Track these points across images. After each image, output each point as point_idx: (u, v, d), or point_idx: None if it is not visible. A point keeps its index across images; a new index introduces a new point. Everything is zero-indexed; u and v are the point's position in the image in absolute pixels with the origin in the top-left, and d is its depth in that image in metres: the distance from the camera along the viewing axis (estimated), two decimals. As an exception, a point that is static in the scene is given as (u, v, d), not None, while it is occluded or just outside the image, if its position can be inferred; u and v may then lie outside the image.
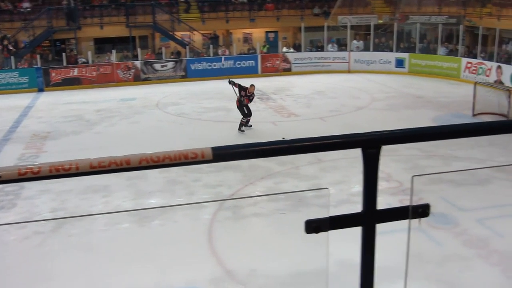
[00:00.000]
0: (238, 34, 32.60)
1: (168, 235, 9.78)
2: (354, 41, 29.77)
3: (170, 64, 27.82)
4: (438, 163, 13.59)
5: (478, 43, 25.99)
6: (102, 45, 30.15)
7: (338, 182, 12.13)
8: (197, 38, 30.34)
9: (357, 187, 11.21)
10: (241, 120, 17.26)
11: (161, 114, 20.55)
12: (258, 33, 32.37)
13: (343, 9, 31.79)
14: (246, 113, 17.22)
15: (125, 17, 29.60)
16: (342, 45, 30.13)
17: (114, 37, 29.76)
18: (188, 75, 27.86)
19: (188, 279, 8.26)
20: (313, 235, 1.93)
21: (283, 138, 2.22)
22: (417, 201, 1.99)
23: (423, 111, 19.70)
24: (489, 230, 9.73)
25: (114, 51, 27.52)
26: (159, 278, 8.29)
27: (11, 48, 27.54)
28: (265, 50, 29.74)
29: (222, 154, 1.67)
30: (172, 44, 29.85)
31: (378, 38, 29.63)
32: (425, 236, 9.30)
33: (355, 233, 1.95)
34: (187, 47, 28.59)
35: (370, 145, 1.81)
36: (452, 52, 27.31)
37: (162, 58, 28.01)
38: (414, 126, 1.99)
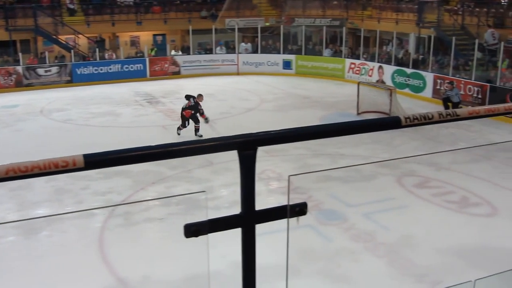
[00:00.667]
0: (125, 37, 31.98)
1: (57, 246, 9.45)
2: (242, 44, 30.09)
3: (55, 69, 26.84)
4: (326, 161, 14.02)
5: (360, 45, 27.06)
6: (-20, 49, 28.60)
7: (230, 184, 12.18)
8: (82, 41, 29.46)
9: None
10: (194, 126, 16.87)
11: (46, 121, 19.78)
12: (145, 36, 31.91)
13: (230, 12, 32.00)
14: (190, 122, 16.95)
15: (4, 20, 28.21)
16: (230, 48, 30.36)
17: (-8, 41, 28.32)
18: (73, 80, 27.00)
19: (79, 290, 8.03)
20: (201, 239, 1.92)
21: None
22: (307, 199, 2.04)
23: (311, 111, 20.24)
24: (375, 224, 10.16)
25: (-7, 56, 26.20)
26: (47, 291, 7.99)
27: None
28: (153, 53, 29.40)
29: (94, 161, 1.63)
30: (56, 48, 28.80)
31: (266, 40, 30.12)
32: (315, 232, 9.58)
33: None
34: (72, 51, 27.70)
35: (246, 146, 1.83)
36: (337, 54, 28.26)
37: (45, 63, 26.94)
38: (302, 126, 2.03)
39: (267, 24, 31.99)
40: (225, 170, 13.07)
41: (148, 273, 8.38)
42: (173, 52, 29.52)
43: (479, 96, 19.84)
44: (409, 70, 23.49)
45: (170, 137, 16.34)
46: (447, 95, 18.92)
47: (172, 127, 18.12)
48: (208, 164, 13.42)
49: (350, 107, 20.20)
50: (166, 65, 28.77)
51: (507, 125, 17.48)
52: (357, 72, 26.36)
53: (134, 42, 31.98)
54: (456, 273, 8.22)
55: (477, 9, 24.84)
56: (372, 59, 26.10)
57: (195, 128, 16.75)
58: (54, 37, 28.73)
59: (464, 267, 8.50)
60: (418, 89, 22.87)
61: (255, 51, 29.80)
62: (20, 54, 26.85)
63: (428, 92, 22.36)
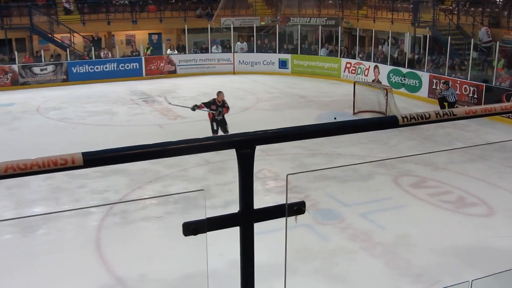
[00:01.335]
0: (120, 36, 31.94)
1: (54, 244, 9.44)
2: (238, 43, 30.08)
3: (50, 68, 26.79)
4: (323, 160, 14.03)
5: (356, 44, 27.08)
6: (-25, 48, 28.52)
7: (227, 182, 12.20)
8: (78, 40, 29.41)
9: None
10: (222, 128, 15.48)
11: (42, 120, 19.75)
12: (141, 35, 31.86)
13: (225, 11, 32.01)
14: (215, 129, 15.48)
15: (-1, 18, 28.16)
16: (226, 47, 30.35)
17: (-13, 40, 28.24)
18: (69, 79, 26.96)
19: (75, 289, 8.02)
20: (197, 237, 1.92)
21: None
22: (304, 198, 2.04)
23: (307, 111, 20.25)
24: (372, 224, 10.17)
25: (-12, 55, 26.13)
26: (44, 290, 7.98)
27: None
28: (148, 52, 29.35)
29: (93, 159, 1.63)
30: (52, 46, 28.73)
31: (261, 39, 30.12)
32: (311, 232, 9.58)
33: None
34: (68, 49, 27.65)
35: (244, 145, 1.83)
36: (332, 53, 28.27)
37: (41, 61, 26.88)
38: (299, 125, 2.03)
39: (263, 23, 32.00)
40: (222, 169, 13.08)
41: (145, 272, 8.38)
42: (168, 51, 29.50)
43: (475, 96, 19.88)
44: (404, 70, 23.52)
45: (166, 136, 16.32)
46: (442, 95, 18.95)
47: (168, 126, 18.14)
48: (205, 163, 13.43)
49: (346, 106, 20.22)
50: (162, 64, 28.74)
51: (504, 125, 17.53)
52: (353, 71, 26.38)
53: (129, 41, 31.94)
54: (453, 273, 8.23)
55: (472, 9, 24.88)
56: (368, 58, 26.13)
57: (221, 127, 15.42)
58: (50, 35, 28.67)
59: (460, 267, 8.51)
60: (414, 89, 22.90)
61: (251, 50, 29.79)
62: (15, 53, 26.78)
63: (424, 91, 22.39)
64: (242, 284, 1.98)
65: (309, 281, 7.99)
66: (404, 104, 20.27)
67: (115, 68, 27.84)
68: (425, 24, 25.42)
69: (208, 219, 1.87)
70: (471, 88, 20.12)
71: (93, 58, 27.80)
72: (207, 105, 15.49)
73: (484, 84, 19.83)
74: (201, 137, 1.84)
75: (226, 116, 15.55)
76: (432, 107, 18.99)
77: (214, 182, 12.37)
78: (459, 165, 13.19)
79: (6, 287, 8.05)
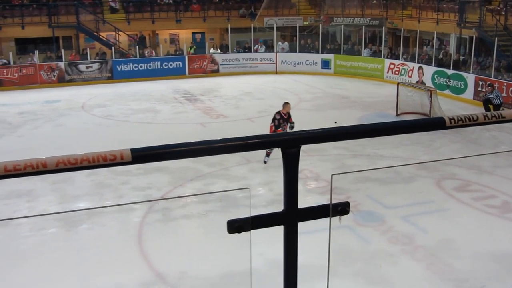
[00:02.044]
0: (164, 35, 32.30)
1: (97, 239, 9.60)
2: (279, 43, 30.04)
3: (96, 65, 27.27)
4: (364, 162, 13.91)
5: (400, 45, 26.77)
6: (24, 45, 29.17)
7: (267, 182, 12.22)
8: (123, 39, 29.85)
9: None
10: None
11: (87, 117, 20.11)
12: (184, 34, 32.17)
13: (269, 10, 32.02)
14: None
15: (47, 17, 28.77)
16: (269, 47, 30.37)
17: (36, 38, 28.87)
18: (114, 77, 27.39)
19: (118, 283, 8.13)
20: (239, 236, 1.93)
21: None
22: (345, 199, 2.03)
23: (349, 111, 20.11)
24: (413, 227, 10.03)
25: (36, 52, 26.72)
26: (87, 283, 8.12)
27: None
28: (192, 51, 29.59)
29: (141, 155, 1.66)
30: (97, 45, 29.24)
31: (304, 39, 30.03)
32: (353, 234, 9.51)
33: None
34: (113, 48, 28.09)
35: (290, 144, 1.83)
36: (376, 54, 27.99)
37: (87, 59, 27.38)
38: (343, 126, 2.02)
39: (306, 23, 31.90)
40: (262, 169, 13.10)
41: (185, 269, 8.44)
42: (212, 50, 29.67)
43: (522, 99, 19.44)
44: (449, 71, 23.12)
45: (208, 134, 16.42)
46: (487, 97, 18.57)
47: (210, 125, 18.24)
48: (245, 162, 13.46)
49: (389, 108, 20.01)
50: (205, 63, 28.94)
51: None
52: (397, 72, 26.07)
53: (173, 40, 32.28)
54: (497, 279, 8.07)
55: (521, 9, 24.34)
56: (412, 59, 25.78)
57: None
58: (96, 34, 29.19)
59: (504, 274, 8.33)
60: (458, 91, 22.50)
61: (293, 50, 29.73)
62: (62, 51, 27.36)
63: (469, 93, 21.97)
64: (285, 283, 1.98)
65: (349, 283, 7.93)
66: (448, 106, 19.94)
67: (159, 67, 28.15)
68: (471, 24, 24.94)
69: (253, 217, 1.88)
70: (519, 91, 19.67)
71: (137, 56, 28.18)
72: (273, 120, 13.76)
73: (532, 87, 19.38)
74: (244, 135, 1.85)
75: None
76: (477, 110, 18.63)
77: (255, 182, 12.39)
78: (505, 169, 12.91)
79: (50, 280, 8.22)
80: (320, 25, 29.87)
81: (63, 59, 26.87)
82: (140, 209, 10.79)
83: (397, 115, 19.26)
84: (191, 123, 18.52)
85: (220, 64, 29.12)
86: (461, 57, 24.21)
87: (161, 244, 9.44)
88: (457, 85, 22.58)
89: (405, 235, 9.72)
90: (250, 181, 12.44)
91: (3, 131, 17.94)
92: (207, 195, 11.34)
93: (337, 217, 2.00)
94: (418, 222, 10.18)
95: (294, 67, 29.17)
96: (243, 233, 1.91)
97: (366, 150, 14.52)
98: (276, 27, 30.01)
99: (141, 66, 27.90)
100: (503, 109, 14.59)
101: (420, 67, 24.58)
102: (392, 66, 26.51)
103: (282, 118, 13.69)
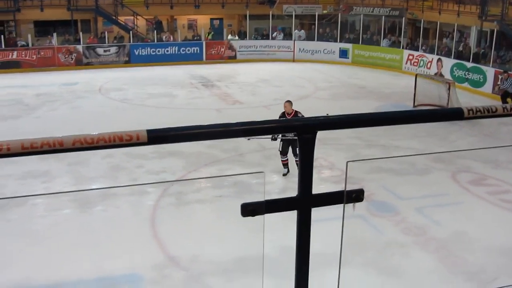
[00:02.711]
0: (182, 20, 32.27)
1: (110, 221, 9.68)
2: (296, 31, 29.88)
3: (113, 49, 27.34)
4: (379, 152, 13.86)
5: (419, 36, 26.53)
6: (43, 28, 29.29)
7: (282, 169, 12.19)
8: (141, 23, 29.89)
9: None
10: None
11: (104, 100, 20.22)
12: (203, 20, 32.11)
13: (288, -2, 31.90)
14: (285, 150, 12.00)
15: (66, 0, 28.85)
16: (287, 34, 30.24)
17: (55, 20, 28.97)
18: (131, 61, 27.45)
19: (130, 266, 8.20)
20: (252, 221, 1.94)
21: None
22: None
23: (366, 101, 20.01)
24: (427, 219, 9.99)
25: (55, 35, 26.84)
26: (100, 264, 8.19)
27: None
28: (210, 37, 29.57)
29: (157, 136, 1.66)
30: (115, 28, 29.31)
31: (323, 28, 29.87)
32: (365, 223, 9.50)
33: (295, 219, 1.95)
34: (131, 32, 28.13)
35: (306, 130, 1.83)
36: (395, 44, 27.78)
37: (105, 43, 27.47)
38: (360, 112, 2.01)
39: (325, 11, 31.72)
40: (277, 155, 13.08)
41: (198, 253, 8.48)
42: (229, 37, 29.62)
43: (543, 93, 19.21)
44: (469, 64, 22.90)
45: (223, 120, 16.35)
46: (504, 88, 18.38)
47: (226, 111, 18.25)
48: (261, 149, 13.45)
49: (406, 99, 19.87)
50: (222, 49, 28.91)
51: None
52: (415, 63, 25.87)
53: (191, 25, 32.25)
54: (509, 274, 8.03)
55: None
56: (431, 51, 25.56)
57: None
58: (114, 18, 29.24)
59: (517, 268, 8.29)
60: (477, 84, 22.28)
61: (311, 38, 29.58)
62: (80, 34, 27.48)
63: (488, 87, 21.75)
64: (296, 268, 1.98)
65: (360, 273, 7.93)
66: (466, 99, 19.75)
67: (176, 52, 28.17)
68: (493, 17, 24.65)
69: (267, 201, 1.87)
70: (540, 85, 19.43)
71: (155, 41, 28.20)
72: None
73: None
74: (263, 120, 1.85)
75: None
76: (496, 103, 18.43)
77: (269, 169, 12.39)
78: (522, 164, 12.81)
79: (63, 260, 8.30)
80: (339, 14, 29.69)
81: (81, 42, 26.97)
82: (154, 192, 10.85)
83: (414, 106, 19.13)
84: (207, 109, 18.54)
85: (238, 51, 29.07)
86: (481, 50, 23.95)
87: (174, 228, 9.49)
88: (476, 78, 22.36)
89: (418, 226, 9.69)
90: (264, 168, 12.43)
91: (20, 113, 18.08)
92: (221, 180, 11.35)
93: (351, 204, 1.99)
94: (432, 214, 10.14)
95: (312, 56, 29.04)
96: (256, 218, 1.91)
97: (380, 140, 14.46)
98: (295, 15, 29.87)
99: (158, 51, 27.93)
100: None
101: (439, 59, 24.37)
102: (410, 57, 26.30)
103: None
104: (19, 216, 9.74)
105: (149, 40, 28.55)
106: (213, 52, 28.71)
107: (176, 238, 9.09)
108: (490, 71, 21.75)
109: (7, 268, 8.10)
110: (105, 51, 27.18)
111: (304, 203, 1.90)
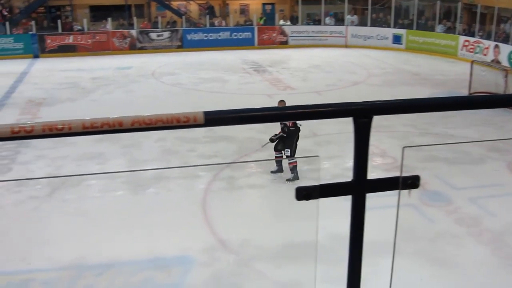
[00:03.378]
0: (235, 5, 32.34)
1: (162, 203, 9.83)
2: (348, 16, 29.55)
3: (166, 34, 27.64)
4: (433, 140, 13.63)
5: (476, 22, 25.85)
6: (98, 13, 29.86)
7: (333, 156, 12.11)
8: (193, 8, 30.09)
9: (352, 162, 11.23)
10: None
11: (157, 84, 20.49)
12: (255, 5, 32.11)
13: (341, -18, 31.53)
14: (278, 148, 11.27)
15: (121, -15, 29.31)
16: (339, 19, 29.93)
17: (109, 5, 29.49)
18: (184, 45, 27.71)
19: (181, 248, 8.31)
20: (305, 207, 1.93)
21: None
22: (412, 177, 1.98)
23: (419, 88, 19.66)
24: (481, 209, 9.77)
25: (109, 19, 27.30)
26: (152, 246, 8.33)
27: (5, 13, 27.26)
28: (261, 22, 29.53)
29: (214, 118, 1.67)
30: (168, 13, 29.61)
31: (376, 13, 29.43)
32: (418, 213, 9.36)
33: (348, 207, 1.94)
34: (183, 17, 28.35)
35: (362, 114, 1.81)
36: (450, 30, 27.16)
37: (158, 28, 27.79)
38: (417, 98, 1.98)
39: (379, -4, 31.24)
40: (328, 142, 13.02)
41: (248, 237, 8.53)
42: (281, 22, 29.51)
43: None
44: (528, 51, 22.23)
45: (274, 105, 16.39)
46: None
47: (277, 96, 18.19)
48: (312, 135, 13.40)
49: (461, 86, 19.42)
50: (274, 35, 28.85)
51: None
52: (471, 50, 25.24)
53: (243, 11, 32.28)
54: None
55: None
56: (488, 37, 24.88)
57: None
58: (167, 3, 29.56)
59: None
60: (536, 71, 21.59)
61: (364, 24, 29.20)
62: (134, 18, 27.86)
63: (547, 75, 21.06)
64: (350, 253, 1.97)
65: (411, 262, 7.84)
66: (524, 87, 19.19)
67: (228, 37, 28.28)
68: (555, 2, 23.82)
69: (321, 185, 1.87)
70: None
71: (207, 26, 28.35)
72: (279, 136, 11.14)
73: None
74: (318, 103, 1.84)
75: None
76: (556, 91, 17.84)
77: (320, 155, 12.33)
78: None
79: (116, 240, 8.48)
80: (393, -1, 29.21)
81: (135, 27, 27.36)
82: (205, 176, 10.95)
83: (470, 94, 18.68)
84: (258, 94, 18.57)
85: (290, 36, 28.96)
86: (541, 37, 23.20)
87: (225, 212, 9.58)
88: (535, 65, 21.69)
89: (472, 217, 9.48)
90: (316, 154, 12.38)
91: (77, 95, 18.51)
92: (272, 164, 11.36)
93: (407, 190, 1.97)
94: (486, 205, 9.91)
95: (365, 41, 28.69)
96: (309, 203, 1.91)
97: (435, 128, 14.20)
98: (348, 0, 29.51)
99: (210, 36, 28.10)
100: None
101: (496, 46, 23.67)
102: (466, 43, 25.67)
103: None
104: (74, 197, 10.00)
105: (201, 25, 28.72)
106: (264, 37, 28.68)
107: (227, 221, 9.16)
108: (550, 58, 21.06)
109: (62, 246, 8.32)
110: (158, 35, 27.50)
111: (358, 188, 1.88)
